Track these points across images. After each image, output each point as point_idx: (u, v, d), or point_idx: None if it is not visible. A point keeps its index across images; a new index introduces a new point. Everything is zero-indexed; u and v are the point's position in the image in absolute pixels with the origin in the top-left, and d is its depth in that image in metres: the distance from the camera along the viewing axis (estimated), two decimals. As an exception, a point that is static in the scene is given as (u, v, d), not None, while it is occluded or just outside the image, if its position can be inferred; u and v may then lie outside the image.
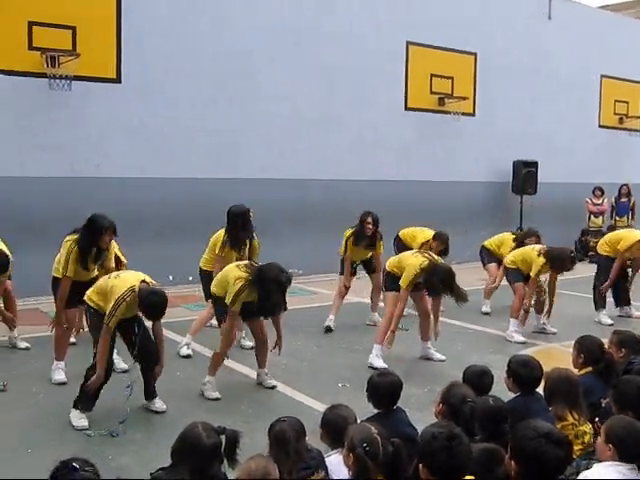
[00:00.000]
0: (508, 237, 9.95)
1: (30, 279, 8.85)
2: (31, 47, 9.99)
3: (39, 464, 4.53)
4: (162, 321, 8.84)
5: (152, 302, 5.46)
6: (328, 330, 8.73)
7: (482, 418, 3.73)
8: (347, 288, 8.92)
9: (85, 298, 5.81)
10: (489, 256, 10.13)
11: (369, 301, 9.34)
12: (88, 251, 6.27)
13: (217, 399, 6.19)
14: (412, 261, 7.07)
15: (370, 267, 9.10)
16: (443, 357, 7.53)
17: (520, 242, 9.56)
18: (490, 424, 3.69)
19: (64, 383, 6.41)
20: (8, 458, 4.91)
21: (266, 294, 5.89)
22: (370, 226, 8.59)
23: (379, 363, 7.07)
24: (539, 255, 8.44)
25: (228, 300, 6.03)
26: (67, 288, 6.28)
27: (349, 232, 8.77)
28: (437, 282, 6.80)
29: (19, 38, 9.91)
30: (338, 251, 9.00)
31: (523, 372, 4.33)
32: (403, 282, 7.04)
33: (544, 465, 3.05)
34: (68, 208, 9.68)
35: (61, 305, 6.34)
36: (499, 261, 9.73)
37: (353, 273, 9.04)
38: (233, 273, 6.12)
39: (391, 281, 7.34)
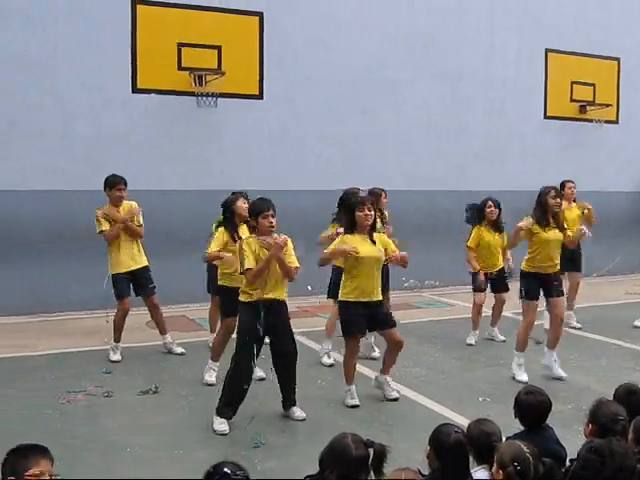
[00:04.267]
0: None
1: (176, 287, 9.34)
2: (180, 67, 10.58)
3: (189, 465, 4.79)
4: (300, 330, 9.16)
5: None
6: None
7: None
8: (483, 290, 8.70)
9: None
10: None
11: (509, 314, 9.19)
12: None
13: (355, 406, 6.25)
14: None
15: (499, 285, 8.78)
16: (564, 374, 7.18)
17: None
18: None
19: (212, 385, 6.69)
20: (160, 459, 5.13)
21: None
22: (492, 209, 8.48)
23: (522, 376, 6.98)
24: None
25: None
26: None
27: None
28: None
29: (169, 59, 10.52)
30: (468, 262, 8.78)
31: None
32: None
33: None
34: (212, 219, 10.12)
35: None
36: None
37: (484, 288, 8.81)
38: None
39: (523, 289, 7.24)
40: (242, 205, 6.84)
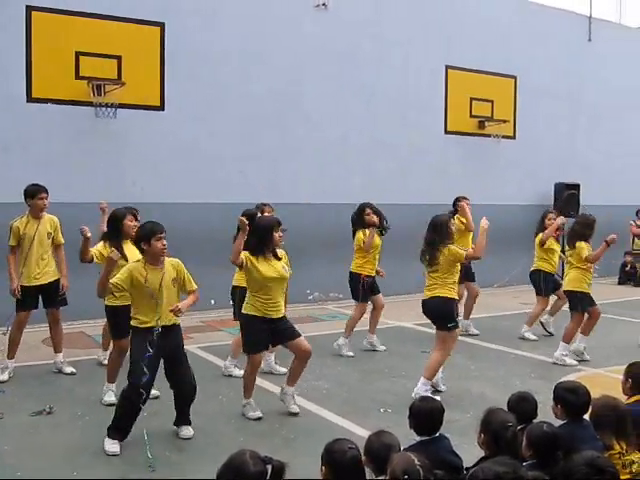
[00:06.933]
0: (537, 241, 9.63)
1: (75, 303, 9.00)
2: (78, 76, 10.29)
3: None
4: (202, 344, 9.02)
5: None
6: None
7: (535, 444, 3.68)
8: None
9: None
10: (543, 281, 9.65)
11: (396, 323, 9.28)
12: None
13: (259, 418, 6.20)
14: None
15: (375, 287, 8.89)
16: (444, 388, 7.15)
17: (542, 224, 9.53)
18: (544, 451, 3.63)
19: (113, 405, 6.38)
20: (55, 480, 4.95)
21: None
22: (370, 216, 8.51)
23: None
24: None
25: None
26: None
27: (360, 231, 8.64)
28: None
29: (66, 68, 10.22)
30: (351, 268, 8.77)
31: (571, 398, 4.21)
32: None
33: None
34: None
35: None
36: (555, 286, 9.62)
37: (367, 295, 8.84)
38: None
39: None
40: (129, 223, 6.62)
